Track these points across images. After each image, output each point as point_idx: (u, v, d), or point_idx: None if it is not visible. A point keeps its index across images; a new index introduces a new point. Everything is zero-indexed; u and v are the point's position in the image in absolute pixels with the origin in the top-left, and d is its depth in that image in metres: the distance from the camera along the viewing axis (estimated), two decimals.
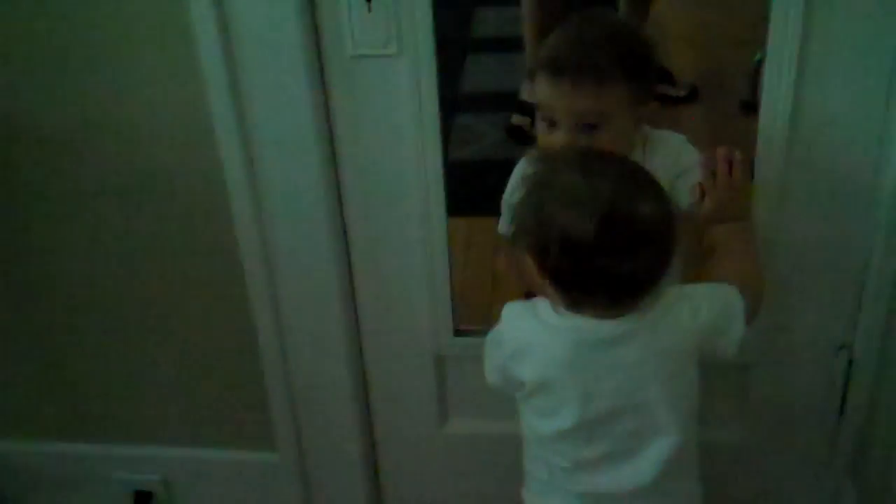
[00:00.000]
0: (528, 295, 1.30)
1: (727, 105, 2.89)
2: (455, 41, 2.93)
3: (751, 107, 2.91)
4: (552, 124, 1.36)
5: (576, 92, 1.35)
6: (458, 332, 1.59)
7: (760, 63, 2.96)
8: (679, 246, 1.18)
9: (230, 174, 1.45)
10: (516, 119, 2.48)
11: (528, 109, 1.49)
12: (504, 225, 1.42)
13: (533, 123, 1.56)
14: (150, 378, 1.70)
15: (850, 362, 1.50)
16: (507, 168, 1.44)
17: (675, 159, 1.40)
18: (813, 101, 1.32)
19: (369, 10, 1.33)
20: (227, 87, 1.38)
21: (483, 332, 1.31)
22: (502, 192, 1.43)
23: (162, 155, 1.47)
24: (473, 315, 1.64)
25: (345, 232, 1.53)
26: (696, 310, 1.20)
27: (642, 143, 1.42)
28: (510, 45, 2.69)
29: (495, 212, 1.44)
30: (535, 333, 1.23)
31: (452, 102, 2.54)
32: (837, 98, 1.31)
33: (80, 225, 1.55)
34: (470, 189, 1.92)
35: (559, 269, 1.15)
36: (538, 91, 1.38)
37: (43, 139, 1.48)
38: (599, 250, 1.11)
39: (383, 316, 1.60)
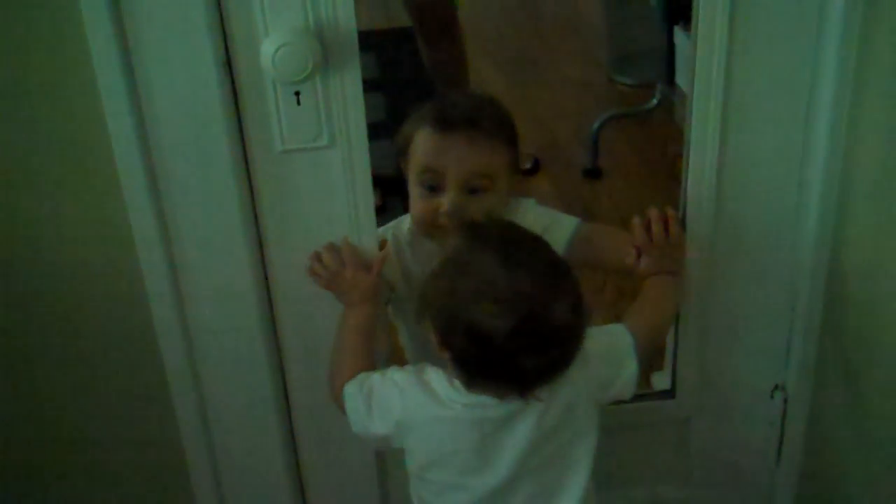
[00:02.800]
0: None
1: (569, 173, 3.03)
2: None
3: (593, 173, 3.08)
4: (433, 189, 1.36)
5: (470, 148, 1.37)
6: None
7: (598, 132, 3.14)
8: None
9: (151, 279, 1.37)
10: None
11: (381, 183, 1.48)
12: None
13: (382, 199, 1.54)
14: None
15: (786, 402, 1.55)
16: None
17: (531, 225, 1.40)
18: (736, 156, 1.37)
19: (298, 103, 1.29)
20: (146, 190, 1.30)
21: None
22: None
23: (82, 269, 1.37)
24: None
25: (275, 331, 1.46)
26: (583, 363, 1.18)
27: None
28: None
29: None
30: (428, 409, 1.21)
31: None
32: (759, 149, 1.37)
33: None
34: None
35: (463, 355, 1.14)
36: (420, 153, 1.38)
37: None
38: (510, 347, 1.10)
39: (321, 415, 1.52)
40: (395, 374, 1.26)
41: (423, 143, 1.38)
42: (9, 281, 1.36)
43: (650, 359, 1.32)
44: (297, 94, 1.28)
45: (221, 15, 1.23)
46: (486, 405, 1.18)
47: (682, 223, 1.40)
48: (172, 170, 1.30)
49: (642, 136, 3.27)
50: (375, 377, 1.27)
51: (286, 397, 1.51)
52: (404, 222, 1.48)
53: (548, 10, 4.45)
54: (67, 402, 1.47)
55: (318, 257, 1.35)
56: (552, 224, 1.44)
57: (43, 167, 1.29)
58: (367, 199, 1.35)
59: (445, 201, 1.36)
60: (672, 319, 1.38)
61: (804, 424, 1.56)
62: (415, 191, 1.40)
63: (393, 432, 1.24)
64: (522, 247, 1.16)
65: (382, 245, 1.42)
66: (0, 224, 1.32)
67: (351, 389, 1.29)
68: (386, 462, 1.58)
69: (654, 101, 3.20)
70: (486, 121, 1.39)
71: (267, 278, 1.41)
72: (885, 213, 1.31)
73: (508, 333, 1.08)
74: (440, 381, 1.21)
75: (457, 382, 1.17)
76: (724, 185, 1.38)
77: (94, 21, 1.19)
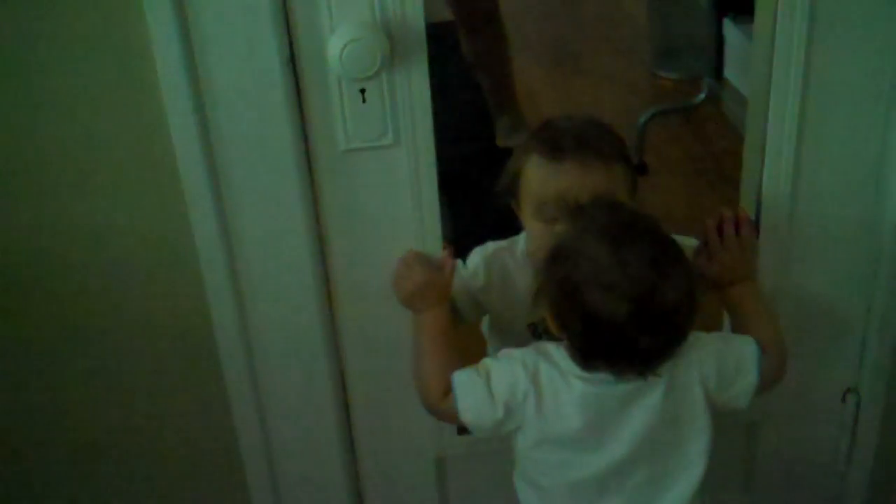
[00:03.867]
0: None
1: None
2: None
3: (639, 169, 3.04)
4: (554, 220, 1.30)
5: (586, 172, 1.30)
6: (460, 430, 1.50)
7: (644, 127, 3.10)
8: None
9: (212, 279, 1.33)
10: None
11: None
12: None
13: None
14: None
15: (858, 405, 1.51)
16: None
17: None
18: (813, 157, 1.33)
19: (363, 100, 1.25)
20: (208, 189, 1.27)
21: None
22: None
23: (143, 269, 1.34)
24: None
25: (335, 331, 1.42)
26: (705, 357, 1.21)
27: None
28: None
29: None
30: (555, 383, 1.20)
31: None
32: (836, 148, 1.33)
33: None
34: None
35: (580, 339, 1.16)
36: (534, 185, 1.32)
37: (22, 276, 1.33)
38: (625, 330, 1.11)
39: (380, 418, 1.50)
40: (512, 352, 1.24)
41: (534, 175, 1.32)
42: (68, 280, 1.33)
43: (776, 377, 1.29)
44: (363, 91, 1.25)
45: (286, 10, 1.19)
46: (607, 381, 1.18)
47: (756, 224, 1.35)
48: (235, 169, 1.27)
49: (688, 132, 3.22)
50: (488, 361, 1.25)
51: (346, 401, 1.48)
52: (518, 244, 1.43)
53: (588, 3, 4.41)
54: (120, 402, 1.44)
55: (409, 263, 1.33)
56: None
57: (103, 166, 1.26)
58: (432, 199, 1.32)
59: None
60: (778, 328, 1.32)
61: (878, 430, 1.51)
62: (533, 225, 1.33)
63: (518, 407, 1.21)
64: (631, 229, 1.16)
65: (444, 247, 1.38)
66: (61, 222, 1.29)
67: (462, 376, 1.24)
68: (445, 468, 1.55)
69: (702, 96, 3.15)
70: (597, 142, 1.33)
71: (328, 279, 1.38)
72: None
73: (624, 318, 1.10)
74: (561, 354, 1.20)
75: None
76: (799, 185, 1.35)
77: (157, 17, 1.16)
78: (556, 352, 1.21)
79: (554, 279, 1.16)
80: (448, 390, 1.25)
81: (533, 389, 1.20)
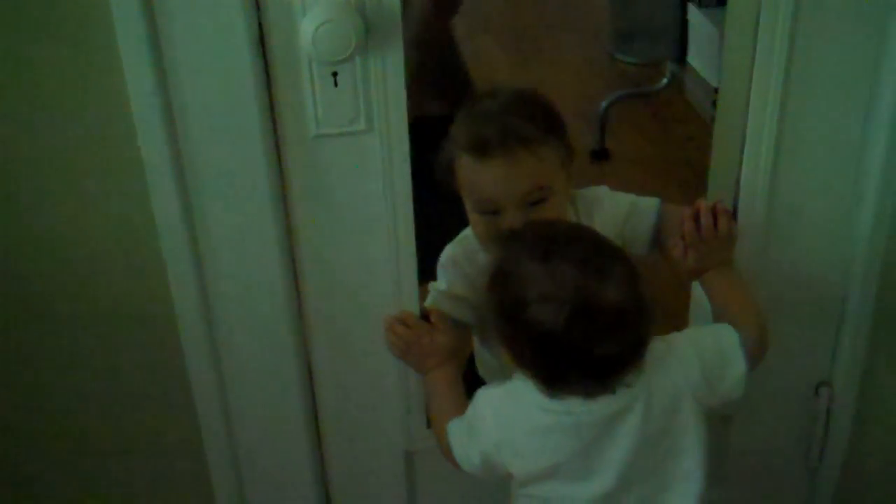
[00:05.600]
0: None
1: (576, 155, 2.96)
2: None
3: (601, 154, 3.02)
4: (494, 212, 1.27)
5: (515, 168, 1.25)
6: (428, 424, 1.46)
7: (605, 112, 3.08)
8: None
9: (175, 267, 1.29)
10: None
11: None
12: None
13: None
14: None
15: (831, 398, 1.50)
16: None
17: (612, 213, 1.37)
18: (792, 147, 1.31)
19: (335, 84, 1.21)
20: (172, 174, 1.22)
21: None
22: None
23: (104, 257, 1.29)
24: None
25: (303, 324, 1.38)
26: (684, 361, 1.17)
27: (573, 206, 1.36)
28: None
29: None
30: (525, 421, 1.16)
31: None
32: (816, 139, 1.31)
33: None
34: None
35: (535, 362, 1.11)
36: (467, 183, 1.28)
37: None
38: (574, 339, 1.07)
39: (348, 413, 1.46)
40: (485, 394, 1.21)
41: (466, 174, 1.27)
42: (28, 280, 1.28)
43: (759, 357, 1.25)
44: (335, 74, 1.20)
45: None
46: (579, 411, 1.13)
47: (733, 215, 1.33)
48: (200, 153, 1.22)
49: (650, 117, 3.21)
50: (470, 406, 1.23)
51: (313, 395, 1.44)
52: (469, 239, 1.38)
53: None
54: (84, 404, 1.40)
55: (391, 329, 1.32)
56: (633, 209, 1.37)
57: (65, 152, 1.21)
58: (405, 186, 1.28)
59: (507, 222, 1.26)
60: (758, 308, 1.29)
61: (850, 423, 1.51)
62: (473, 215, 1.30)
63: (493, 453, 1.19)
64: (558, 239, 1.13)
65: (430, 311, 1.35)
66: (21, 214, 1.24)
67: (452, 427, 1.25)
68: (414, 461, 1.52)
69: (665, 81, 3.13)
70: (521, 127, 1.28)
71: (297, 270, 1.33)
72: None
73: (565, 326, 1.05)
74: (531, 392, 1.14)
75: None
76: (778, 176, 1.32)
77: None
78: (525, 389, 1.15)
79: (493, 308, 1.12)
80: None
81: (503, 437, 1.17)
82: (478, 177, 1.26)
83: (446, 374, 1.32)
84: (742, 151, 1.32)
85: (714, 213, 1.29)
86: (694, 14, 2.89)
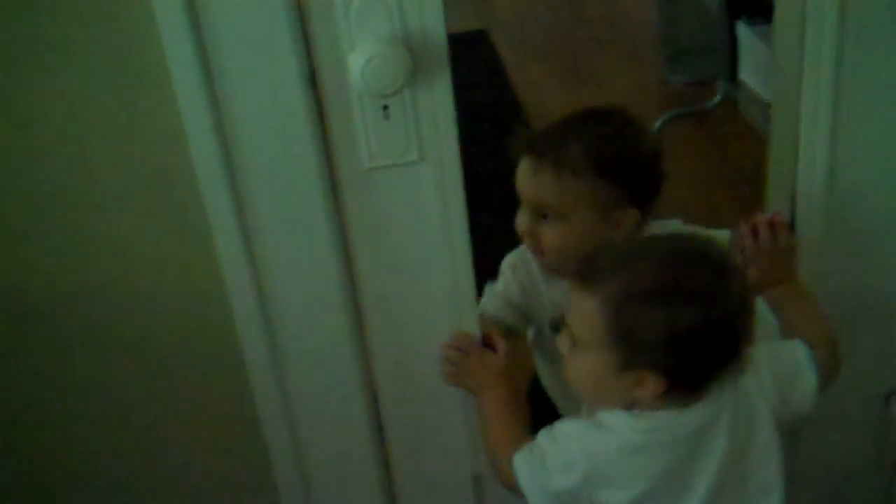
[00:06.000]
0: None
1: None
2: None
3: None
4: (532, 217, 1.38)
5: (535, 177, 1.35)
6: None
7: (659, 131, 3.07)
8: None
9: (239, 304, 1.31)
10: None
11: None
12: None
13: None
14: None
15: None
16: None
17: None
18: (847, 154, 1.31)
19: (386, 117, 1.23)
20: (231, 211, 1.24)
21: None
22: None
23: (168, 297, 1.32)
24: None
25: (366, 352, 1.39)
26: (758, 371, 1.17)
27: None
28: None
29: None
30: (616, 446, 1.14)
31: None
32: (870, 144, 1.31)
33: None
34: None
35: (682, 366, 1.09)
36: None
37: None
38: (735, 319, 1.09)
39: (415, 439, 1.47)
40: (565, 427, 1.19)
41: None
42: (99, 314, 1.31)
43: (833, 373, 1.26)
44: (385, 107, 1.22)
45: (304, 26, 1.17)
46: (672, 425, 1.13)
47: (791, 227, 1.32)
48: (258, 191, 1.24)
49: (704, 135, 3.20)
50: (542, 438, 1.20)
51: (379, 422, 1.45)
52: None
53: (594, 12, 4.40)
54: (151, 428, 1.42)
55: (445, 354, 1.34)
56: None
57: (127, 195, 1.24)
58: (460, 214, 1.29)
59: (520, 219, 1.37)
60: (826, 323, 1.29)
61: None
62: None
63: (582, 486, 1.15)
64: (680, 247, 1.14)
65: (493, 332, 1.37)
66: (85, 252, 1.27)
67: (520, 460, 1.21)
68: (482, 487, 1.52)
69: (718, 98, 3.13)
70: (559, 150, 1.34)
71: (357, 301, 1.35)
72: None
73: (718, 322, 1.07)
74: (617, 417, 1.14)
75: (635, 412, 1.13)
76: (835, 184, 1.32)
77: (174, 38, 1.13)
78: (609, 417, 1.15)
79: (655, 327, 1.07)
80: None
81: (593, 467, 1.14)
82: (518, 167, 1.38)
83: (501, 394, 1.30)
84: (795, 159, 1.32)
85: (772, 225, 1.29)
86: (744, 31, 2.89)
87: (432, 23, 1.17)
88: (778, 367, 1.19)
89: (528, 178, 1.37)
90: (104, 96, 1.18)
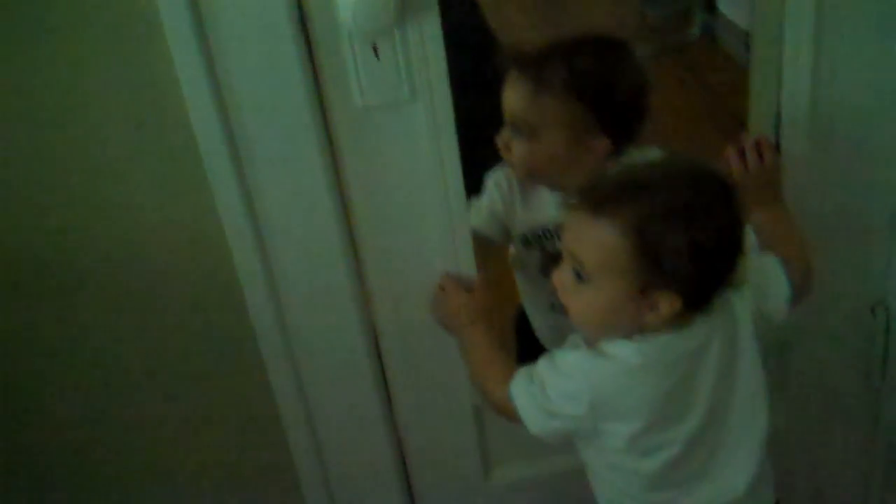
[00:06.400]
0: None
1: None
2: None
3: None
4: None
5: (513, 89, 1.39)
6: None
7: None
8: None
9: (237, 244, 1.33)
10: None
11: None
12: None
13: None
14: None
15: (888, 318, 1.51)
16: None
17: None
18: (830, 72, 1.33)
19: (376, 56, 1.24)
20: (226, 155, 1.26)
21: None
22: None
23: (169, 255, 1.34)
24: None
25: (365, 293, 1.43)
26: (739, 285, 1.20)
27: None
28: None
29: None
30: (620, 377, 1.15)
31: None
32: (852, 64, 1.32)
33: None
34: None
35: (695, 278, 1.11)
36: None
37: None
38: (724, 250, 1.13)
39: (415, 372, 1.51)
40: (567, 357, 1.19)
41: None
42: (99, 272, 1.33)
43: (804, 292, 1.29)
44: (375, 47, 1.24)
45: None
46: (675, 346, 1.15)
47: (776, 148, 1.35)
48: (251, 133, 1.26)
49: (683, 67, 3.20)
50: (543, 367, 1.20)
51: (379, 353, 1.49)
52: None
53: None
54: (154, 398, 1.46)
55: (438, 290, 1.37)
56: None
57: (120, 141, 1.25)
58: (452, 152, 1.31)
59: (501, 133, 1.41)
60: (804, 244, 1.32)
61: None
62: None
63: (587, 416, 1.16)
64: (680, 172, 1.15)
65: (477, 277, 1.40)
66: (86, 210, 1.29)
67: (518, 388, 1.21)
68: (483, 417, 1.56)
69: (696, 31, 3.13)
70: (541, 67, 1.36)
71: (353, 237, 1.37)
72: None
73: (719, 239, 1.10)
74: (620, 345, 1.15)
75: (637, 338, 1.14)
76: (818, 103, 1.34)
77: None
78: (613, 346, 1.15)
79: (677, 247, 1.08)
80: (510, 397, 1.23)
81: (599, 396, 1.15)
82: (506, 79, 1.39)
83: (477, 335, 1.32)
84: (778, 80, 1.34)
85: (758, 146, 1.32)
86: None
87: None
88: (755, 278, 1.22)
89: (508, 91, 1.40)
90: (92, 44, 1.19)
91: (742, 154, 1.32)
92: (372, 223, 1.36)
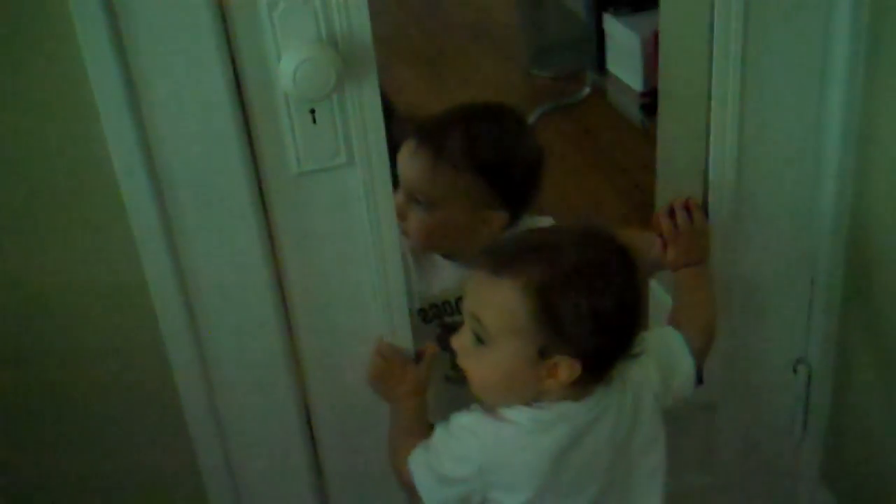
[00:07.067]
0: None
1: None
2: None
3: None
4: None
5: (412, 160, 1.38)
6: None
7: (533, 126, 3.11)
8: None
9: (166, 315, 1.28)
10: None
11: None
12: None
13: None
14: None
15: (810, 375, 1.55)
16: None
17: None
18: (755, 138, 1.37)
19: (314, 121, 1.22)
20: (156, 222, 1.21)
21: None
22: None
23: (94, 317, 1.28)
24: None
25: (297, 359, 1.38)
26: (643, 361, 1.20)
27: None
28: None
29: None
30: (511, 441, 1.14)
31: None
32: (777, 125, 1.37)
33: None
34: None
35: (597, 347, 1.11)
36: None
37: None
38: (623, 320, 1.12)
39: (350, 447, 1.46)
40: (461, 420, 1.18)
41: None
42: (20, 329, 1.26)
43: (706, 351, 1.30)
44: (313, 111, 1.21)
45: (227, 31, 1.14)
46: (571, 416, 1.14)
47: (704, 209, 1.38)
48: (184, 201, 1.21)
49: (574, 127, 3.28)
50: (437, 433, 1.20)
51: (310, 425, 1.44)
52: None
53: (454, 10, 4.43)
54: (78, 444, 1.38)
55: (372, 361, 1.33)
56: None
57: (46, 206, 1.20)
58: (389, 216, 1.29)
59: (397, 199, 1.37)
60: (714, 311, 1.35)
61: (829, 397, 1.57)
62: None
63: (476, 479, 1.15)
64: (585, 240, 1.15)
65: (424, 351, 1.36)
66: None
67: (416, 459, 1.21)
68: None
69: (587, 90, 3.21)
70: (441, 140, 1.37)
71: (286, 306, 1.33)
72: None
73: (618, 307, 1.10)
74: (518, 410, 1.14)
75: (534, 405, 1.14)
76: (744, 167, 1.38)
77: (92, 45, 1.10)
78: (510, 412, 1.14)
79: (579, 314, 1.08)
80: None
81: (489, 460, 1.14)
82: (400, 150, 1.39)
83: (411, 407, 1.31)
84: (706, 145, 1.37)
85: (687, 207, 1.35)
86: (611, 23, 2.97)
87: (358, 23, 1.16)
88: (660, 355, 1.23)
89: (406, 161, 1.39)
90: (19, 102, 1.14)
91: (672, 214, 1.35)
92: (306, 290, 1.32)
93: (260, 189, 1.25)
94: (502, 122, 1.44)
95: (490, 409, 1.16)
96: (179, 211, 1.22)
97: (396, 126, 1.43)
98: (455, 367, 1.17)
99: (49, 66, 1.12)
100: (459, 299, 1.17)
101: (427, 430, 1.26)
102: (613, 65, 3.05)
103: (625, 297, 1.11)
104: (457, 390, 1.25)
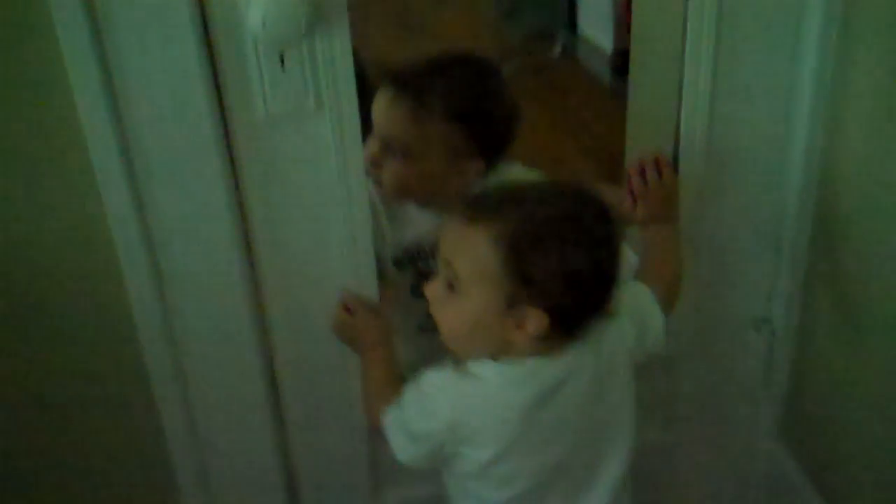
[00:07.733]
0: None
1: None
2: None
3: None
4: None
5: (390, 109, 1.37)
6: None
7: None
8: None
9: (128, 259, 1.26)
10: None
11: None
12: None
13: None
14: None
15: (773, 334, 1.56)
16: None
17: None
18: (726, 95, 1.36)
19: (282, 65, 1.20)
20: (120, 165, 1.20)
21: None
22: None
23: (56, 260, 1.26)
24: None
25: (262, 309, 1.37)
26: (618, 319, 1.20)
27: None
28: None
29: None
30: (479, 398, 1.15)
31: None
32: (749, 84, 1.36)
33: None
34: None
35: (568, 303, 1.11)
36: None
37: None
38: (598, 276, 1.12)
39: (311, 396, 1.45)
40: (431, 377, 1.18)
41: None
42: None
43: (671, 307, 1.31)
44: (282, 57, 1.19)
45: None
46: (540, 373, 1.14)
47: (674, 166, 1.38)
48: (148, 143, 1.20)
49: (545, 88, 3.26)
50: (408, 389, 1.20)
51: (273, 376, 1.43)
52: None
53: None
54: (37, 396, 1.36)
55: (337, 313, 1.32)
56: None
57: (8, 145, 1.17)
58: (357, 164, 1.28)
59: (369, 147, 1.36)
60: (681, 268, 1.36)
61: (791, 357, 1.58)
62: None
63: (445, 434, 1.16)
64: (559, 193, 1.15)
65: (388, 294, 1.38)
66: None
67: (388, 416, 1.22)
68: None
69: (558, 49, 3.19)
70: (421, 88, 1.35)
71: (252, 251, 1.32)
72: (875, 146, 1.32)
73: (595, 263, 1.10)
74: (486, 365, 1.14)
75: (502, 359, 1.14)
76: (714, 124, 1.37)
77: None
78: (478, 365, 1.15)
79: (549, 267, 1.08)
80: None
81: (457, 417, 1.15)
82: (377, 96, 1.37)
83: (381, 355, 1.31)
84: (678, 102, 1.37)
85: (657, 164, 1.34)
86: None
87: None
88: (633, 312, 1.23)
89: (383, 109, 1.38)
90: None
91: (642, 171, 1.34)
92: (272, 235, 1.31)
93: (227, 132, 1.23)
94: (481, 72, 1.44)
95: (460, 365, 1.16)
96: (143, 150, 1.20)
97: (368, 74, 1.40)
98: (429, 316, 1.16)
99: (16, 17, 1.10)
100: (434, 245, 1.16)
101: (397, 380, 1.27)
102: (585, 25, 3.03)
103: (600, 254, 1.10)
104: (430, 340, 1.24)
